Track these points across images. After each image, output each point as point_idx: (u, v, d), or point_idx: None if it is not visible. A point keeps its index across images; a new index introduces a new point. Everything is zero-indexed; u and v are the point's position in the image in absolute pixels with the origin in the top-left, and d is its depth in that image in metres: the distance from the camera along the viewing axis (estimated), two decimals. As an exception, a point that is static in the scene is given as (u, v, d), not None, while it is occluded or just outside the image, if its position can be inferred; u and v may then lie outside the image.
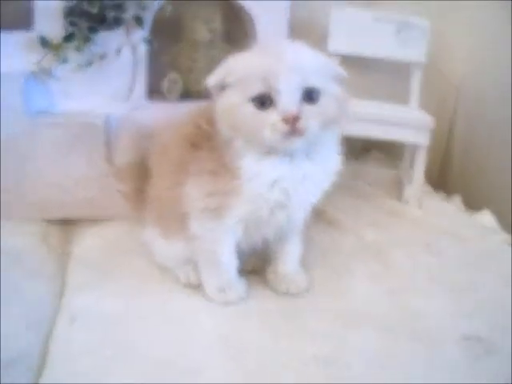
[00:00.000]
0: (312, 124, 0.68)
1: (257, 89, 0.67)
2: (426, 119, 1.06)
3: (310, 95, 0.68)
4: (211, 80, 0.71)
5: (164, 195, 0.81)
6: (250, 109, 0.68)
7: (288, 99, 0.67)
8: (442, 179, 1.27)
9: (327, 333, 0.74)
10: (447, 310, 0.80)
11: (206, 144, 0.75)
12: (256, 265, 0.87)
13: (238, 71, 0.69)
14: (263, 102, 0.67)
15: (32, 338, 0.74)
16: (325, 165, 0.75)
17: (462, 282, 0.87)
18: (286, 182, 0.72)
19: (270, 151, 0.71)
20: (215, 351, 0.70)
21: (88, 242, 0.96)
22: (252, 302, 0.80)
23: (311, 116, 0.68)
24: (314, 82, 0.68)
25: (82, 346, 0.72)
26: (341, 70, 0.73)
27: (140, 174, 0.90)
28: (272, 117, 0.67)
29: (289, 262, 0.84)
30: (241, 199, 0.73)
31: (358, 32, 1.18)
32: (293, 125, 0.66)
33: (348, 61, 1.18)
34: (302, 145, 0.70)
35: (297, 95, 0.67)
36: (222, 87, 0.71)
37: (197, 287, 0.82)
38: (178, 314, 0.77)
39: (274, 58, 0.68)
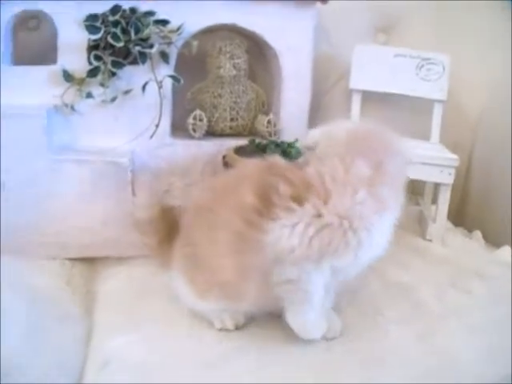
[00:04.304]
0: None
1: None
2: (451, 157, 1.07)
3: None
4: None
5: (215, 263, 0.78)
6: None
7: None
8: (460, 215, 1.27)
9: (365, 379, 0.73)
10: (478, 352, 0.79)
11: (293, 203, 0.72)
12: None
13: None
14: None
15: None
16: None
17: (491, 321, 0.86)
18: None
19: None
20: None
21: (114, 282, 0.95)
22: (287, 346, 0.78)
23: None
24: None
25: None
26: None
27: (163, 227, 0.89)
28: None
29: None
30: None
31: (379, 68, 1.18)
32: None
33: (369, 97, 1.21)
34: None
35: None
36: None
37: (231, 331, 0.81)
38: (213, 358, 0.76)
39: None
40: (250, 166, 0.80)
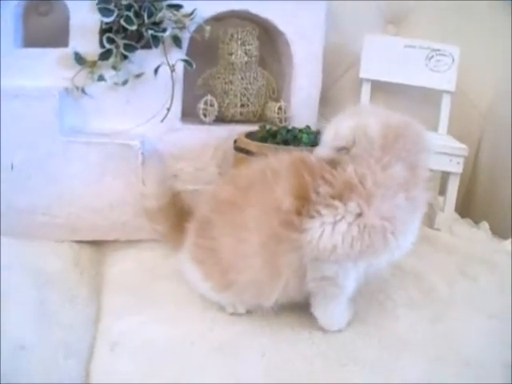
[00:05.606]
0: None
1: None
2: (460, 147, 1.08)
3: None
4: None
5: (240, 262, 0.76)
6: None
7: None
8: (467, 207, 1.28)
9: (376, 362, 0.73)
10: (488, 336, 0.80)
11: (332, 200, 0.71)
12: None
13: None
14: None
15: (73, 365, 0.72)
16: None
17: (499, 308, 0.87)
18: None
19: None
20: (265, 379, 0.68)
21: (122, 265, 0.94)
22: (298, 329, 0.78)
23: None
24: None
25: (127, 374, 0.69)
26: None
27: (174, 213, 0.89)
28: None
29: None
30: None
31: (389, 58, 1.19)
32: None
33: (378, 86, 1.22)
34: None
35: None
36: None
37: (244, 314, 0.81)
38: (225, 341, 0.75)
39: None
40: (280, 161, 0.77)
